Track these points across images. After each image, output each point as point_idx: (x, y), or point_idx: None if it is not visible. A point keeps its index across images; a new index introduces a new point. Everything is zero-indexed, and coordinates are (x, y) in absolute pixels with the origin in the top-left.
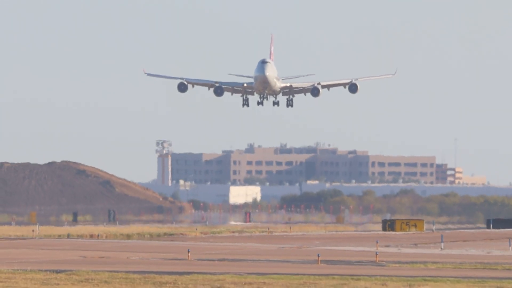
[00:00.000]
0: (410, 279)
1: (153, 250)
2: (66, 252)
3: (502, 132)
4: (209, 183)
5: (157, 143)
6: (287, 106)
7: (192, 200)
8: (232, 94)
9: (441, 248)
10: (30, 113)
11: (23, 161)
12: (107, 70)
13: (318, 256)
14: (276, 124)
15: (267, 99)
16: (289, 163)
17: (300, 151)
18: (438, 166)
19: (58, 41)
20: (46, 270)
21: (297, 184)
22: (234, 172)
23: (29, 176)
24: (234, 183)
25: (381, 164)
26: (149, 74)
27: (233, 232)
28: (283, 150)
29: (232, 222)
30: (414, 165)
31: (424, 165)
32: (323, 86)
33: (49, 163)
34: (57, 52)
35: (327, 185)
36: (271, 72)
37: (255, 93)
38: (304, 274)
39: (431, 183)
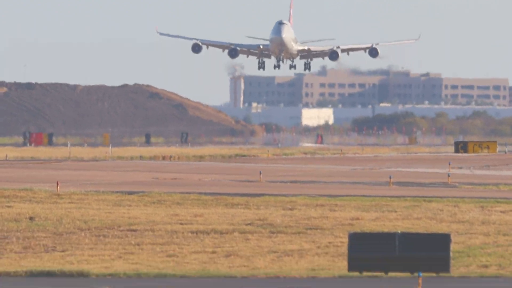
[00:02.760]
0: (483, 200)
1: (225, 171)
2: (138, 174)
3: None
4: (281, 105)
5: (230, 66)
6: (305, 70)
7: (264, 122)
8: (247, 57)
9: None
10: (103, 36)
11: (96, 83)
12: None
13: (390, 177)
14: None
15: (283, 62)
16: (361, 85)
17: (373, 73)
18: (511, 88)
19: None
20: (118, 192)
21: (370, 107)
22: (307, 95)
23: (102, 98)
24: (306, 105)
25: (454, 87)
26: (162, 34)
27: (305, 153)
28: (356, 72)
29: (304, 144)
30: (487, 87)
31: (497, 87)
32: (342, 50)
33: (122, 85)
34: None
35: (400, 107)
36: (287, 34)
37: (271, 56)
38: (376, 196)
39: (504, 105)
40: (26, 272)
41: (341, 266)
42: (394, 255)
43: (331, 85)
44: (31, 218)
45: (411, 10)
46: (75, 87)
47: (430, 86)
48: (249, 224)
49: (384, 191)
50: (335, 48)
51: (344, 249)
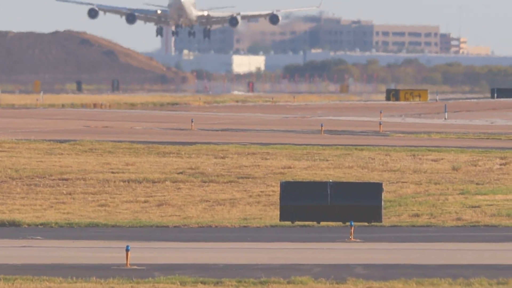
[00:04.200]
0: (414, 149)
1: (156, 119)
2: (70, 122)
3: (508, 0)
4: (212, 52)
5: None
6: (204, 37)
7: (196, 69)
8: (145, 23)
9: (445, 118)
10: None
11: (27, 30)
12: None
13: (322, 126)
14: None
15: (182, 28)
16: (292, 32)
17: (303, 20)
18: (442, 35)
19: None
20: (49, 140)
21: (301, 53)
22: (238, 41)
23: (33, 45)
24: (237, 52)
25: (385, 34)
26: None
27: (237, 101)
28: (286, 17)
29: (236, 92)
30: (418, 35)
31: (428, 34)
32: (242, 17)
33: (53, 32)
34: None
35: (331, 54)
36: None
37: (169, 22)
38: (307, 145)
39: (436, 52)
40: None
41: (273, 215)
42: (326, 204)
43: (263, 32)
44: None
45: None
46: (5, 33)
47: (361, 33)
48: (181, 173)
49: (315, 140)
50: (235, 15)
51: (276, 198)
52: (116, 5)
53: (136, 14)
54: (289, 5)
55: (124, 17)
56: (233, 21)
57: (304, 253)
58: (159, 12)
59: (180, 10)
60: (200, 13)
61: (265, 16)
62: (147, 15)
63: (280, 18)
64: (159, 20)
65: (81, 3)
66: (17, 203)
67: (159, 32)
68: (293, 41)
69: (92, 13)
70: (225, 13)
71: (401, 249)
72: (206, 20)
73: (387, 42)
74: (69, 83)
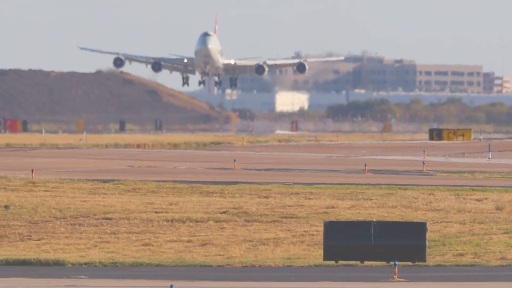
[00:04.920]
0: (458, 188)
1: (199, 159)
2: (113, 162)
3: None
4: (255, 91)
5: None
6: (231, 86)
7: (238, 109)
8: (171, 72)
9: (489, 158)
10: (77, 24)
11: (69, 70)
12: None
13: (365, 165)
14: (322, 32)
15: (208, 76)
16: (335, 72)
17: (346, 60)
18: (485, 75)
19: None
20: (93, 180)
21: (344, 93)
22: (281, 81)
23: (76, 85)
24: (280, 91)
25: (428, 73)
26: (83, 48)
27: (280, 141)
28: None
29: (279, 131)
30: (461, 74)
31: (471, 74)
32: (269, 66)
33: (95, 72)
34: None
35: (374, 94)
36: (213, 45)
37: (196, 71)
38: (351, 184)
39: (478, 92)
40: (1, 261)
41: (316, 255)
42: (369, 244)
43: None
44: (6, 207)
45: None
46: (48, 73)
47: (404, 73)
48: (224, 212)
49: (359, 179)
50: (261, 63)
51: (320, 237)
52: (141, 54)
53: (162, 63)
54: (315, 54)
55: (149, 66)
56: (259, 69)
57: None
58: (185, 60)
59: (206, 57)
60: (226, 61)
61: (292, 65)
62: (173, 64)
63: (307, 67)
64: (185, 69)
65: (107, 52)
66: (61, 243)
67: (185, 81)
68: (336, 81)
69: (118, 62)
70: (252, 61)
71: None
72: (232, 69)
73: (430, 81)
74: (111, 122)
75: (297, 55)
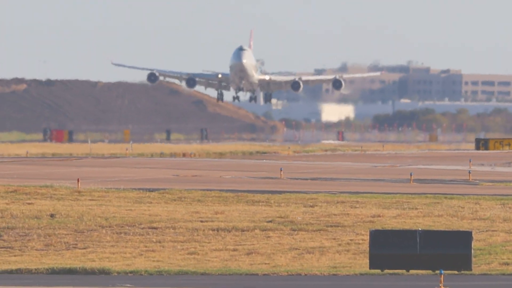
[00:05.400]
0: (504, 198)
1: (245, 168)
2: (159, 171)
3: None
4: (301, 101)
5: None
6: (265, 101)
7: (284, 118)
8: (205, 89)
9: None
10: (122, 34)
11: (116, 80)
12: None
13: (411, 175)
14: (369, 41)
15: (243, 91)
16: (382, 81)
17: (392, 69)
18: None
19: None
20: (139, 189)
21: (390, 102)
22: (327, 91)
23: (122, 95)
24: (326, 101)
25: (474, 83)
26: (116, 64)
27: (326, 150)
28: (375, 68)
29: (325, 141)
30: (508, 84)
31: None
32: (304, 82)
33: (142, 82)
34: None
35: (420, 103)
36: (248, 60)
37: (231, 87)
38: (397, 193)
39: None
40: (47, 270)
41: (362, 263)
42: (415, 253)
43: (351, 81)
44: (52, 215)
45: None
46: (95, 83)
47: (450, 83)
48: (270, 221)
49: (405, 188)
50: (297, 79)
51: (366, 246)
52: (175, 70)
53: (197, 78)
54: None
55: (184, 82)
56: (295, 85)
57: None
58: (220, 75)
59: (241, 71)
60: (261, 77)
61: (328, 81)
62: (208, 80)
63: (343, 83)
64: (220, 84)
65: (141, 68)
66: (106, 251)
67: (220, 97)
68: (382, 90)
69: (152, 78)
70: (287, 77)
71: None
72: (267, 84)
73: (476, 91)
74: (157, 132)
75: (343, 66)
